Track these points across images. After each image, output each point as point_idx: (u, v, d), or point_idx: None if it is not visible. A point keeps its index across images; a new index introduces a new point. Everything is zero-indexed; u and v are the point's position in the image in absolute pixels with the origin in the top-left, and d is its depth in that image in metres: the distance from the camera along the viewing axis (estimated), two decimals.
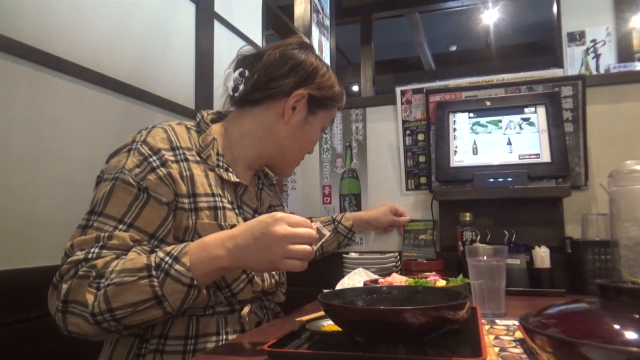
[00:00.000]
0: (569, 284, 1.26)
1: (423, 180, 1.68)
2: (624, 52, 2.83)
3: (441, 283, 0.91)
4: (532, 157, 1.43)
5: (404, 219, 1.61)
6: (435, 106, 1.61)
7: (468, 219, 1.37)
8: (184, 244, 0.77)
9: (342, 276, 1.22)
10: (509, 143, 1.47)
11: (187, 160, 0.88)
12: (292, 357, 0.61)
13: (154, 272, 0.72)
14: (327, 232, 0.80)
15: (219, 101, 1.09)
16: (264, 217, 0.75)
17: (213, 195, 0.89)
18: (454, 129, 1.54)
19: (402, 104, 1.72)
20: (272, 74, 0.95)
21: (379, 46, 4.51)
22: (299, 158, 1.08)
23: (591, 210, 1.46)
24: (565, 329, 0.50)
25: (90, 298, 0.71)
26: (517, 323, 0.82)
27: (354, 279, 1.17)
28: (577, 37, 2.91)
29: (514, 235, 1.31)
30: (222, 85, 1.01)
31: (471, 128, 1.53)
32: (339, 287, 1.14)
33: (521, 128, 1.48)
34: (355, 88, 5.87)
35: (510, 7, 4.63)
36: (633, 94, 1.48)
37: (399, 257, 1.58)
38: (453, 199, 1.46)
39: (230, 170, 0.94)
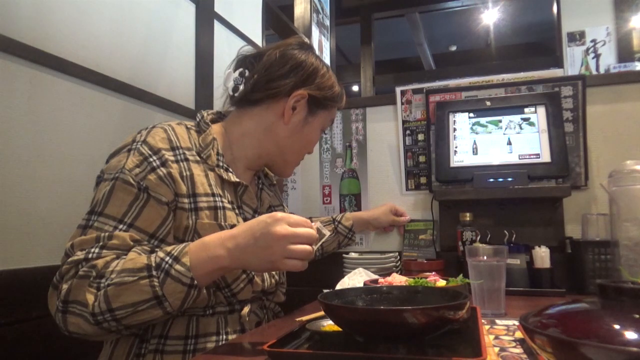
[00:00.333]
0: (569, 284, 1.26)
1: (423, 180, 1.68)
2: (624, 52, 2.83)
3: (441, 283, 0.91)
4: (532, 157, 1.43)
5: (404, 219, 1.61)
6: (435, 106, 1.61)
7: (468, 219, 1.37)
8: (184, 244, 0.77)
9: (342, 276, 1.22)
10: (509, 143, 1.47)
11: (187, 160, 0.88)
12: (292, 357, 0.61)
13: (154, 272, 0.72)
14: (327, 232, 0.80)
15: (219, 101, 1.09)
16: (264, 217, 0.75)
17: (213, 195, 0.89)
18: (454, 129, 1.54)
19: (402, 104, 1.72)
20: (272, 74, 0.95)
21: (379, 46, 4.51)
22: (299, 158, 1.08)
23: (591, 210, 1.46)
24: (565, 329, 0.50)
25: (90, 298, 0.71)
26: (517, 323, 0.82)
27: (354, 279, 1.17)
28: (577, 37, 2.91)
29: (514, 235, 1.31)
30: (222, 85, 1.01)
31: (471, 128, 1.53)
32: (339, 287, 1.14)
33: (521, 128, 1.48)
34: (355, 88, 5.87)
35: (510, 7, 4.63)
36: (633, 94, 1.48)
37: (399, 257, 1.58)
38: (453, 199, 1.46)
39: (230, 170, 0.94)
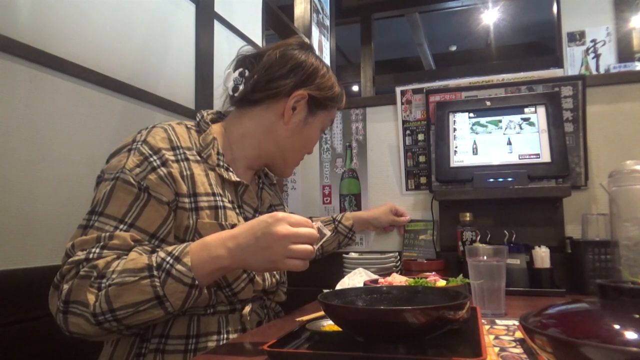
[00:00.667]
0: (569, 284, 1.26)
1: (423, 180, 1.68)
2: (624, 52, 2.83)
3: (441, 283, 0.91)
4: (532, 157, 1.43)
5: (404, 219, 1.61)
6: (435, 106, 1.61)
7: (468, 219, 1.37)
8: (185, 244, 0.77)
9: (342, 276, 1.22)
10: (509, 143, 1.47)
11: (187, 159, 0.88)
12: (292, 357, 0.61)
13: (155, 272, 0.72)
14: (328, 232, 0.80)
15: (219, 101, 1.09)
16: (265, 217, 0.75)
17: (213, 194, 0.89)
18: (454, 129, 1.54)
19: (402, 104, 1.72)
20: (272, 74, 0.95)
21: (379, 46, 4.51)
22: (299, 158, 1.08)
23: (591, 210, 1.46)
24: (565, 329, 0.50)
25: (91, 298, 0.71)
26: (517, 323, 0.82)
27: (354, 279, 1.17)
28: (577, 37, 2.91)
29: (514, 235, 1.31)
30: (222, 85, 1.01)
31: (471, 128, 1.53)
32: (339, 287, 1.14)
33: (521, 128, 1.48)
34: (355, 88, 5.87)
35: (510, 7, 4.63)
36: (633, 94, 1.48)
37: (399, 257, 1.58)
38: (453, 199, 1.46)
39: (231, 169, 0.94)
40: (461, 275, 0.96)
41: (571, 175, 1.46)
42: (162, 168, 0.83)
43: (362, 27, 4.11)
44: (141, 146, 0.84)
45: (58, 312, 0.74)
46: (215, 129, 0.98)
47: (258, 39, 2.05)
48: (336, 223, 1.46)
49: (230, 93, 0.99)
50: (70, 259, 0.75)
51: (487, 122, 1.52)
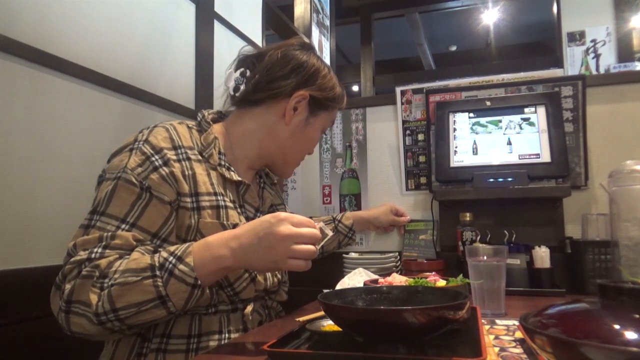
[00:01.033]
0: (569, 284, 1.26)
1: (423, 180, 1.68)
2: (624, 52, 2.83)
3: (441, 283, 0.91)
4: (532, 157, 1.43)
5: (404, 219, 1.61)
6: (435, 106, 1.61)
7: (468, 219, 1.37)
8: (187, 244, 0.77)
9: (342, 276, 1.22)
10: (509, 143, 1.47)
11: (189, 159, 0.88)
12: (292, 357, 0.61)
13: (157, 272, 0.72)
14: (330, 232, 0.81)
15: (219, 101, 1.09)
16: (267, 217, 0.75)
17: (215, 194, 0.89)
18: (454, 129, 1.54)
19: (402, 104, 1.72)
20: (273, 75, 0.95)
21: (379, 46, 4.51)
22: (300, 159, 1.08)
23: (591, 210, 1.46)
24: (565, 329, 0.50)
25: (94, 298, 0.71)
26: (517, 323, 0.82)
27: (354, 279, 1.17)
28: (577, 37, 2.91)
29: (514, 235, 1.31)
30: (223, 85, 1.01)
31: (471, 128, 1.53)
32: (339, 287, 1.14)
33: (521, 128, 1.48)
34: (355, 88, 5.87)
35: (510, 7, 4.63)
36: (633, 94, 1.48)
37: (399, 257, 1.58)
38: (453, 199, 1.46)
39: (232, 169, 0.94)
40: (461, 275, 0.96)
41: (571, 175, 1.46)
42: (164, 167, 0.83)
43: (362, 27, 4.11)
44: (143, 146, 0.84)
45: (60, 311, 0.74)
46: (217, 128, 0.98)
47: (258, 39, 2.05)
48: (336, 222, 1.46)
49: (232, 93, 0.99)
50: (72, 259, 0.75)
51: (487, 122, 1.52)
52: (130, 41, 1.30)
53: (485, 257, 0.93)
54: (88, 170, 1.12)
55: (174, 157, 0.85)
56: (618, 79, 1.54)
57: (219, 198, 0.89)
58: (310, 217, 0.97)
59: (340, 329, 0.66)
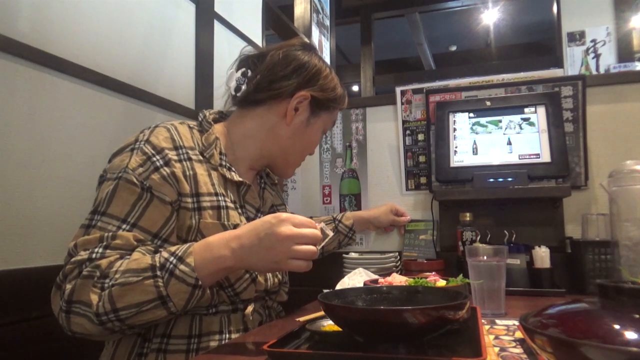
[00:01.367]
0: (569, 284, 1.26)
1: (423, 180, 1.68)
2: (624, 52, 2.83)
3: (441, 283, 0.91)
4: (532, 157, 1.43)
5: (405, 219, 1.61)
6: (435, 106, 1.61)
7: (468, 219, 1.37)
8: (188, 244, 0.77)
9: (342, 276, 1.22)
10: (509, 143, 1.47)
11: (190, 159, 0.88)
12: (292, 357, 0.61)
13: (158, 273, 0.72)
14: (330, 233, 0.81)
15: (219, 101, 1.09)
16: (268, 218, 0.75)
17: (216, 194, 0.89)
18: (454, 129, 1.55)
19: (402, 104, 1.72)
20: (275, 75, 0.95)
21: (379, 46, 4.52)
22: (300, 159, 1.08)
23: (591, 210, 1.46)
24: (565, 329, 0.50)
25: (94, 298, 0.71)
26: (517, 323, 0.82)
27: (354, 279, 1.17)
28: (577, 37, 2.91)
29: (514, 235, 1.31)
30: (224, 85, 1.01)
31: (471, 128, 1.53)
32: (339, 287, 1.14)
33: (521, 128, 1.48)
34: (355, 88, 5.87)
35: (510, 7, 4.63)
36: (633, 94, 1.48)
37: (399, 257, 1.58)
38: (453, 199, 1.46)
39: (233, 169, 0.94)
40: (461, 275, 0.96)
41: (571, 175, 1.46)
42: (165, 168, 0.83)
43: (362, 27, 4.11)
44: (144, 146, 0.84)
45: (60, 311, 0.74)
46: (218, 128, 0.98)
47: (258, 39, 2.05)
48: (336, 222, 1.46)
49: (233, 93, 0.99)
50: (73, 259, 0.75)
51: (487, 122, 1.52)
52: (130, 41, 1.30)
53: (485, 257, 0.93)
54: (88, 170, 1.12)
55: (175, 158, 0.85)
56: (618, 79, 1.54)
57: (219, 198, 0.89)
58: (311, 217, 0.97)
59: (340, 329, 0.66)
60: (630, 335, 0.45)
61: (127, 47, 1.29)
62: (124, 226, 0.78)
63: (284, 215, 0.75)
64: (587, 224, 1.29)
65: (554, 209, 1.44)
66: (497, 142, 1.49)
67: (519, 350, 0.65)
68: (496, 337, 0.73)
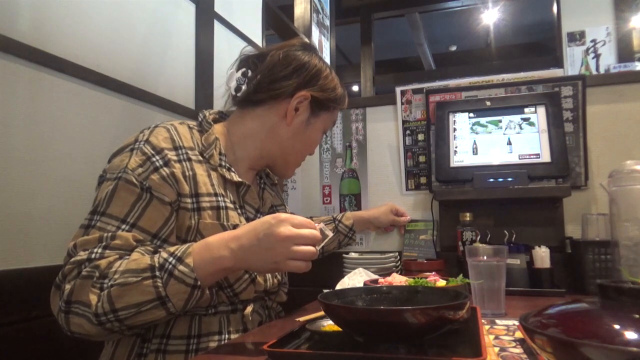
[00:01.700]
0: (569, 284, 1.27)
1: (423, 180, 1.68)
2: (624, 52, 2.83)
3: (441, 283, 0.91)
4: (532, 157, 1.43)
5: (405, 219, 1.61)
6: (435, 106, 1.61)
7: (468, 219, 1.37)
8: (187, 245, 0.77)
9: (342, 276, 1.22)
10: (509, 143, 1.47)
11: (189, 159, 0.88)
12: (292, 357, 0.61)
13: (157, 273, 0.72)
14: (330, 233, 0.81)
15: (219, 101, 1.09)
16: (267, 218, 0.75)
17: (215, 195, 0.89)
18: (454, 129, 1.54)
19: (402, 104, 1.72)
20: (275, 75, 0.95)
21: (379, 46, 4.52)
22: (300, 159, 1.08)
23: (591, 210, 1.46)
24: (565, 329, 0.50)
25: (93, 299, 0.71)
26: (517, 323, 0.82)
27: (354, 279, 1.17)
28: (577, 37, 2.91)
29: (514, 235, 1.31)
30: (224, 85, 1.01)
31: (471, 128, 1.53)
32: (339, 287, 1.14)
33: (521, 128, 1.48)
34: (355, 88, 5.87)
35: (510, 7, 4.63)
36: (633, 94, 1.48)
37: (399, 257, 1.58)
38: (453, 199, 1.46)
39: (233, 170, 0.94)
40: (461, 275, 0.96)
41: (571, 175, 1.46)
42: (165, 168, 0.83)
43: (362, 27, 4.11)
44: (144, 146, 0.84)
45: (60, 312, 0.74)
46: (218, 129, 0.98)
47: (258, 39, 2.05)
48: (336, 222, 1.46)
49: (233, 93, 0.99)
50: (72, 259, 0.75)
51: (487, 122, 1.52)
52: (130, 41, 1.30)
53: (485, 257, 0.93)
54: (88, 170, 1.12)
55: (175, 158, 0.85)
56: (618, 79, 1.54)
57: (219, 199, 0.89)
58: (310, 218, 0.97)
59: (340, 329, 0.66)
60: (630, 335, 0.45)
61: (127, 47, 1.29)
62: (123, 226, 0.78)
63: (283, 215, 0.75)
64: (587, 224, 1.29)
65: (554, 209, 1.44)
66: (497, 142, 1.49)
67: (519, 350, 0.65)
68: (496, 337, 0.73)
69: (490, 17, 4.80)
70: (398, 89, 1.72)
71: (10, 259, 0.95)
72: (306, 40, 1.05)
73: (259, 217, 0.84)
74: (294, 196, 1.85)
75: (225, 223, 0.87)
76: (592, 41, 2.88)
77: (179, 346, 0.82)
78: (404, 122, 1.72)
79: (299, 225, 0.74)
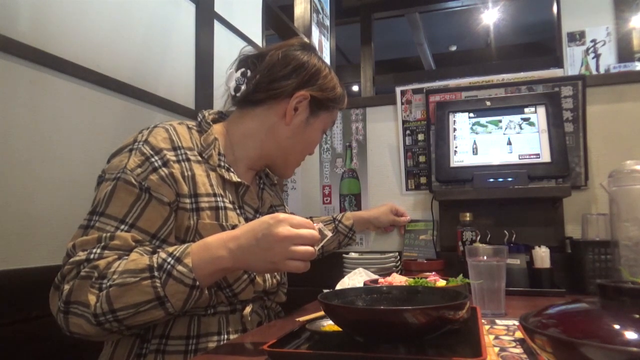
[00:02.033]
0: (569, 284, 1.26)
1: (423, 180, 1.68)
2: (624, 52, 2.83)
3: (441, 283, 0.91)
4: (532, 157, 1.43)
5: (405, 219, 1.61)
6: (435, 106, 1.61)
7: (468, 219, 1.37)
8: (186, 245, 0.77)
9: (342, 276, 1.22)
10: (509, 143, 1.47)
11: (188, 160, 0.88)
12: (292, 357, 0.61)
13: (156, 273, 0.72)
14: (329, 233, 0.81)
15: (219, 101, 1.09)
16: (266, 218, 0.75)
17: (214, 195, 0.89)
18: (454, 129, 1.54)
19: (402, 104, 1.72)
20: (274, 75, 0.95)
21: (379, 46, 4.52)
22: (300, 159, 1.08)
23: (591, 210, 1.46)
24: (565, 329, 0.50)
25: (92, 299, 0.71)
26: (517, 323, 0.82)
27: (354, 279, 1.17)
28: (577, 37, 2.91)
29: (514, 235, 1.31)
30: (224, 85, 1.01)
31: (471, 128, 1.53)
32: (339, 287, 1.14)
33: (521, 128, 1.48)
34: (355, 88, 5.87)
35: (510, 7, 4.63)
36: (633, 94, 1.48)
37: (399, 257, 1.58)
38: (453, 199, 1.46)
39: (232, 170, 0.94)
40: (461, 275, 0.96)
41: (571, 175, 1.46)
42: (164, 168, 0.83)
43: (362, 27, 4.11)
44: (142, 146, 0.84)
45: (59, 312, 0.74)
46: (217, 129, 0.98)
47: (258, 39, 2.05)
48: (336, 223, 1.46)
49: (232, 93, 0.99)
50: (71, 260, 0.75)
51: (487, 122, 1.52)
52: (130, 41, 1.30)
53: (485, 257, 0.93)
54: (88, 170, 1.12)
55: (174, 158, 0.85)
56: (618, 79, 1.54)
57: (218, 199, 0.89)
58: (310, 218, 0.97)
59: (340, 329, 0.66)
60: (630, 335, 0.45)
61: (127, 47, 1.29)
62: (122, 227, 0.78)
63: (281, 215, 0.75)
64: (587, 224, 1.29)
65: (554, 209, 1.43)
66: (497, 142, 1.49)
67: (519, 350, 0.65)
68: (496, 337, 0.73)
69: (490, 17, 4.80)
70: (398, 89, 1.72)
71: (10, 259, 0.95)
72: (306, 40, 1.05)
73: (258, 218, 0.84)
74: (294, 196, 1.85)
75: (224, 223, 0.87)
76: (592, 41, 2.88)
77: (178, 346, 0.82)
78: (404, 122, 1.72)
79: (297, 226, 0.74)
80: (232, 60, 1.02)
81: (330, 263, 1.52)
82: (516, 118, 1.49)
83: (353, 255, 1.57)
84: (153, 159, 0.83)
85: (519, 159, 1.44)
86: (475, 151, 1.50)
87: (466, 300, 0.60)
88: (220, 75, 1.68)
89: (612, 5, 2.87)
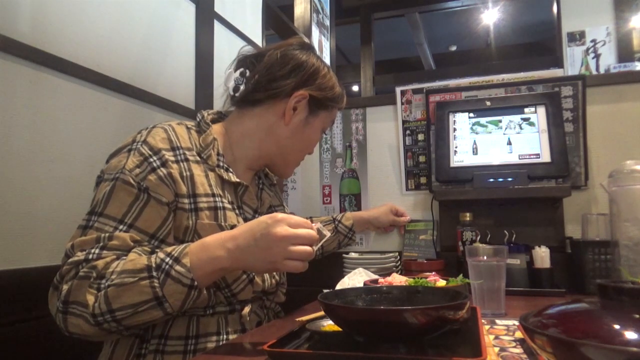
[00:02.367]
0: (569, 284, 1.26)
1: (423, 180, 1.68)
2: (624, 52, 2.83)
3: (441, 283, 0.91)
4: (532, 157, 1.43)
5: (404, 219, 1.61)
6: (435, 106, 1.61)
7: (468, 219, 1.37)
8: (184, 245, 0.77)
9: (342, 276, 1.22)
10: (509, 143, 1.47)
11: (187, 160, 0.88)
12: (292, 357, 0.61)
13: (154, 273, 0.72)
14: (327, 233, 0.80)
15: (219, 101, 1.09)
16: (264, 218, 0.75)
17: (213, 195, 0.88)
18: (454, 129, 1.54)
19: (402, 104, 1.72)
20: (273, 75, 0.95)
21: (379, 46, 4.51)
22: (299, 159, 1.08)
23: (591, 210, 1.46)
24: (565, 329, 0.50)
25: (90, 299, 0.71)
26: (517, 323, 0.82)
27: (354, 279, 1.17)
28: (577, 37, 2.91)
29: (514, 235, 1.31)
30: (223, 85, 1.01)
31: (471, 128, 1.53)
32: (339, 287, 1.14)
33: (521, 128, 1.48)
34: (355, 88, 5.87)
35: (510, 7, 4.62)
36: (633, 94, 1.48)
37: (399, 257, 1.58)
38: (453, 199, 1.46)
39: (231, 170, 0.94)
40: (461, 275, 0.96)
41: (571, 175, 1.46)
42: (162, 169, 0.83)
43: (362, 27, 4.11)
44: (141, 146, 0.84)
45: (57, 312, 0.74)
46: (216, 129, 0.98)
47: (258, 39, 2.05)
48: (336, 223, 1.46)
49: (231, 93, 0.99)
50: (70, 260, 0.75)
51: (487, 122, 1.52)
52: (130, 41, 1.30)
53: (485, 257, 0.93)
54: (88, 170, 1.12)
55: (172, 158, 0.85)
56: (618, 79, 1.54)
57: (216, 199, 0.89)
58: (310, 218, 0.97)
59: (340, 329, 0.66)
60: (630, 335, 0.45)
61: (127, 47, 1.29)
62: (120, 227, 0.78)
63: (279, 215, 0.75)
64: (587, 224, 1.29)
65: (554, 209, 1.44)
66: (497, 142, 1.49)
67: (519, 350, 0.65)
68: (496, 337, 0.73)
69: (490, 17, 4.80)
70: (398, 89, 1.72)
71: (11, 259, 0.95)
72: (305, 39, 1.05)
73: (257, 218, 0.84)
74: (294, 196, 1.85)
75: (222, 223, 0.87)
76: (592, 41, 2.88)
77: (177, 347, 0.82)
78: (404, 122, 1.72)
79: (295, 225, 0.74)
80: (232, 60, 1.02)
81: (330, 263, 1.52)
82: (516, 118, 1.49)
83: (353, 255, 1.57)
84: (151, 159, 0.83)
85: (519, 159, 1.44)
86: (475, 151, 1.50)
87: (466, 300, 0.60)
88: (220, 75, 1.68)
89: (612, 5, 2.87)
